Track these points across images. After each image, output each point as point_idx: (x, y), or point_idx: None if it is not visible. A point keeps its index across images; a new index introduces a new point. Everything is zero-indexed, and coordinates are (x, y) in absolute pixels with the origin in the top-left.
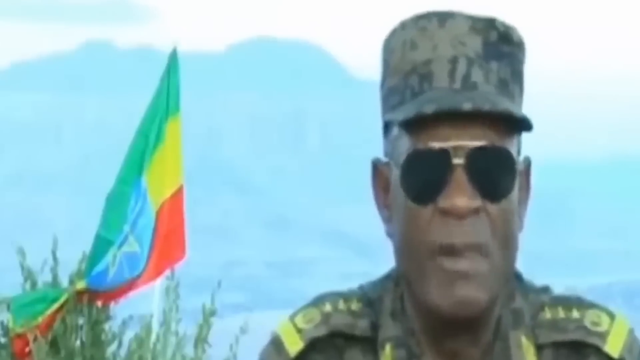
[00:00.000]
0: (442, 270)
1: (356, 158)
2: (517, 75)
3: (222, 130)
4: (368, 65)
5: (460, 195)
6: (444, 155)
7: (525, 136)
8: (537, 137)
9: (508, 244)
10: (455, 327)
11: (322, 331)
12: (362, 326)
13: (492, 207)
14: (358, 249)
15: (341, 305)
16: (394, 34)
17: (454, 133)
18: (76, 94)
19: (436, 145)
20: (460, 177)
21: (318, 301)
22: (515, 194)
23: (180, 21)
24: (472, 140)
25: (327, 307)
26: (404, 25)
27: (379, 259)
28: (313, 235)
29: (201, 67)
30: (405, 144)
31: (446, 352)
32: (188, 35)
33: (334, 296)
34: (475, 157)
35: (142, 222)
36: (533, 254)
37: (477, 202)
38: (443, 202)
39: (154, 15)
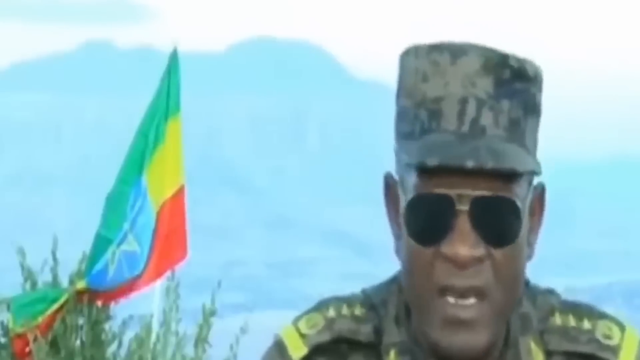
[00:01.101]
0: (444, 314)
1: (356, 158)
2: (531, 109)
3: (222, 130)
4: (368, 65)
5: (463, 244)
6: (448, 202)
7: None
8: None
9: (512, 285)
10: None
11: (325, 337)
12: (365, 332)
13: (497, 253)
14: (358, 249)
15: (345, 310)
16: (407, 56)
17: (458, 181)
18: (76, 94)
19: (440, 191)
20: (464, 224)
21: (321, 306)
22: (521, 237)
23: (180, 21)
24: (476, 190)
25: (331, 313)
26: (417, 53)
27: (379, 259)
28: (313, 235)
29: (201, 67)
30: (411, 180)
31: None
32: (188, 35)
33: (337, 301)
34: (480, 205)
35: (142, 221)
36: (533, 255)
37: (480, 251)
38: (446, 248)
39: (154, 15)
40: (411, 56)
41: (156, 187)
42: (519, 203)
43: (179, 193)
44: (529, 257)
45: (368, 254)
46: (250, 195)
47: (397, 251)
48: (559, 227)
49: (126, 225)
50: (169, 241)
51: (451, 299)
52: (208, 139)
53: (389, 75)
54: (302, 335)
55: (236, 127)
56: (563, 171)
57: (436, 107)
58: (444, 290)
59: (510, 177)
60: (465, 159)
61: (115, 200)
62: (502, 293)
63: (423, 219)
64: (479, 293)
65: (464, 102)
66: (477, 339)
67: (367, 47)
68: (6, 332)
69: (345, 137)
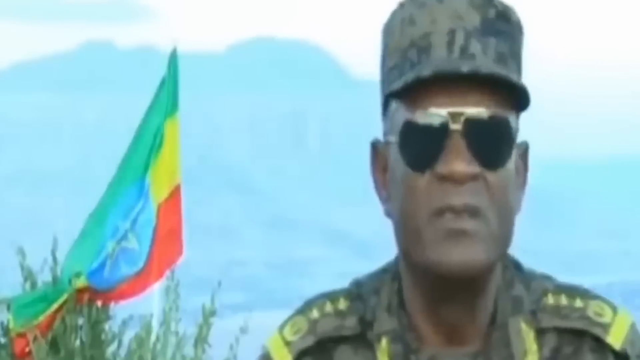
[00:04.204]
0: (442, 229)
1: (356, 158)
2: (515, 55)
3: (222, 131)
4: (368, 65)
5: (459, 161)
6: (442, 121)
7: (525, 136)
8: (538, 137)
9: (505, 214)
10: (453, 289)
11: (309, 342)
12: (349, 325)
13: (490, 175)
14: (358, 249)
15: (328, 307)
16: (393, 15)
17: (451, 100)
18: (76, 94)
19: (434, 110)
20: (458, 143)
21: (306, 307)
22: (512, 165)
23: (181, 21)
24: (470, 107)
25: (314, 314)
26: (402, 5)
27: (379, 259)
28: (313, 235)
29: (201, 67)
30: (403, 115)
31: (444, 335)
32: (188, 35)
33: (321, 299)
34: (473, 124)
35: (143, 220)
36: (533, 254)
37: (476, 169)
38: (441, 167)
39: (155, 15)
40: (396, 11)
41: (156, 187)
42: (512, 123)
43: (176, 193)
44: (517, 210)
45: (368, 254)
46: (250, 195)
47: (388, 213)
48: (559, 227)
49: (127, 224)
50: (166, 241)
51: (449, 216)
52: (208, 139)
53: None
54: (287, 343)
55: (236, 127)
56: (563, 171)
57: (425, 43)
58: (442, 211)
59: (502, 101)
60: (460, 65)
61: (111, 202)
62: (496, 219)
63: (418, 142)
64: (475, 212)
65: (452, 33)
66: (475, 251)
67: (367, 47)
68: (6, 332)
69: (345, 137)
